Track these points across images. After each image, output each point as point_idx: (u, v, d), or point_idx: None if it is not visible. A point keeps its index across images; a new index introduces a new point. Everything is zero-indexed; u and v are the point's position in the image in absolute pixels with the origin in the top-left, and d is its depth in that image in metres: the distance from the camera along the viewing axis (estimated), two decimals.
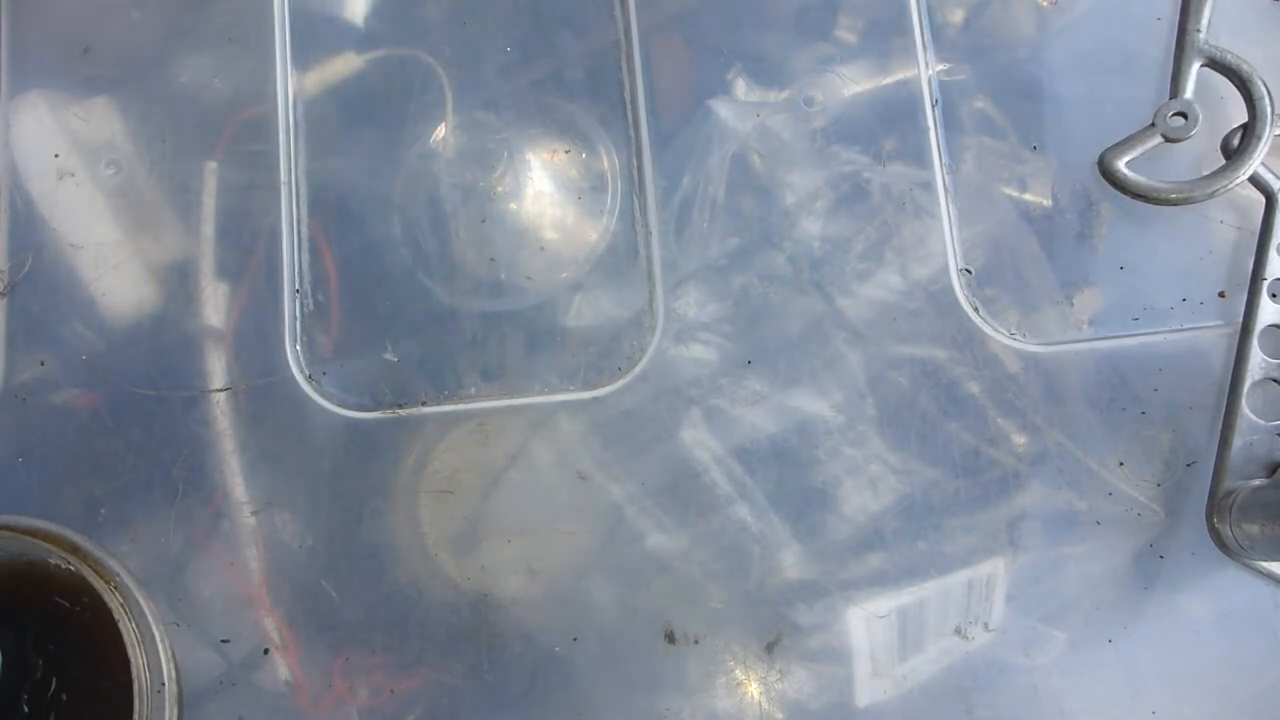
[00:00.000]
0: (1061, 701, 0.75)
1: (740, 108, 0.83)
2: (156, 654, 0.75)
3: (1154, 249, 0.80)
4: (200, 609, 0.77)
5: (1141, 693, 0.75)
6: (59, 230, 0.83)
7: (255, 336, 0.81)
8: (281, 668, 0.76)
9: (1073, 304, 0.80)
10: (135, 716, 0.73)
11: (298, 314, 0.81)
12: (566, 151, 0.84)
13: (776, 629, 0.76)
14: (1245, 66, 0.78)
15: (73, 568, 0.75)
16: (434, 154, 0.84)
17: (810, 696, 0.76)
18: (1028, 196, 0.81)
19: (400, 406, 0.80)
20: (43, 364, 0.81)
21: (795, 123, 0.83)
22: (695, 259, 0.81)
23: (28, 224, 0.83)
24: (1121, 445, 0.77)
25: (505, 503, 0.78)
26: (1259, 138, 0.77)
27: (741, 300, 0.80)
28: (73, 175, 0.84)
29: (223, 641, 0.77)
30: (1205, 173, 0.78)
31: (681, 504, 0.78)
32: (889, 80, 0.83)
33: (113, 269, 0.82)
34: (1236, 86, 0.78)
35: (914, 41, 0.83)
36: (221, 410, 0.79)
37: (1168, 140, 0.78)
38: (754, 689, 0.76)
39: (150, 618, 0.76)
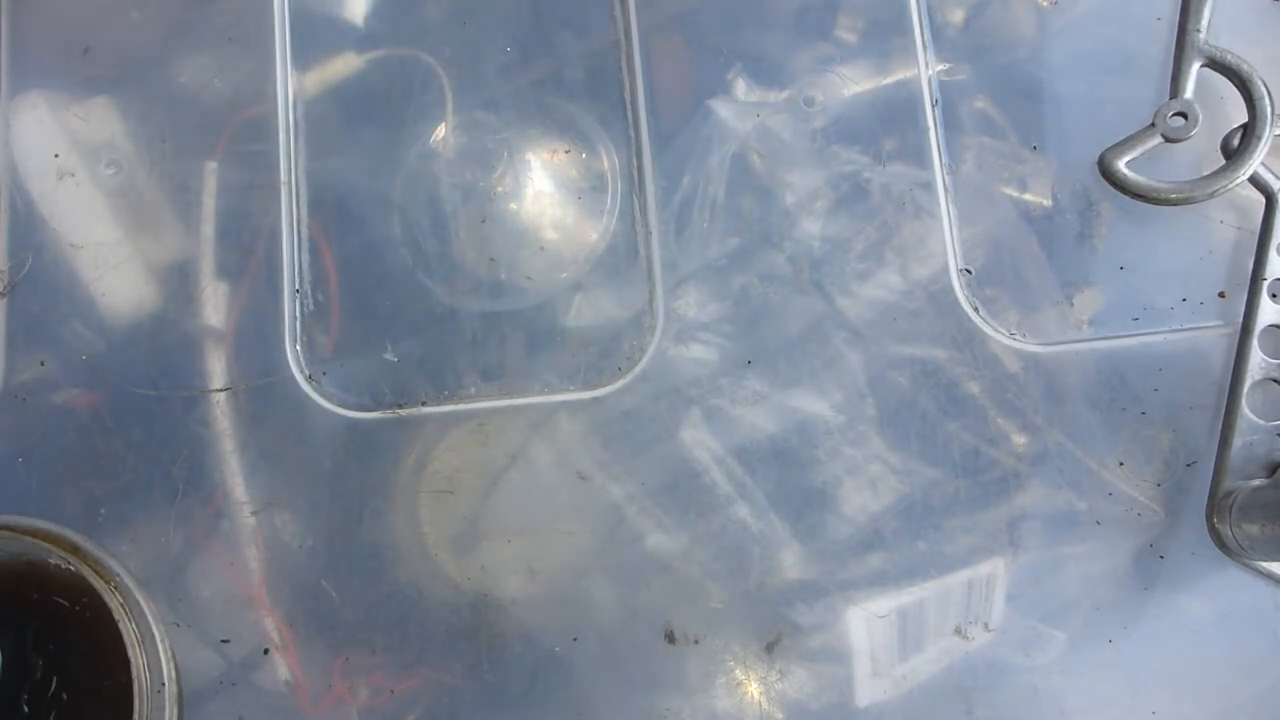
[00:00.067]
0: (1061, 701, 0.75)
1: (740, 108, 0.83)
2: (156, 654, 0.75)
3: (1154, 249, 0.80)
4: (200, 609, 0.77)
5: (1141, 693, 0.75)
6: (59, 230, 0.83)
7: (255, 336, 0.81)
8: (281, 668, 0.76)
9: (1073, 304, 0.80)
10: (135, 716, 0.73)
11: (298, 314, 0.81)
12: (566, 151, 0.84)
13: (776, 629, 0.76)
14: (1245, 66, 0.78)
15: (73, 568, 0.75)
16: (434, 154, 0.84)
17: (810, 696, 0.76)
18: (1028, 196, 0.81)
19: (400, 406, 0.80)
20: (43, 364, 0.81)
21: (795, 123, 0.83)
22: (695, 259, 0.81)
23: (28, 224, 0.83)
24: (1121, 445, 0.77)
25: (505, 503, 0.78)
26: (1259, 138, 0.77)
27: (741, 300, 0.80)
28: (73, 175, 0.84)
29: (223, 641, 0.77)
30: (1205, 173, 0.78)
31: (681, 504, 0.78)
32: (889, 80, 0.83)
33: (113, 269, 0.82)
34: (1236, 86, 0.78)
35: (914, 41, 0.83)
36: (221, 410, 0.79)
37: (1168, 140, 0.78)
38: (754, 689, 0.76)
39: (150, 618, 0.76)
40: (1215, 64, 0.79)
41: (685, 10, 0.85)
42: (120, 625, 0.74)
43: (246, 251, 0.82)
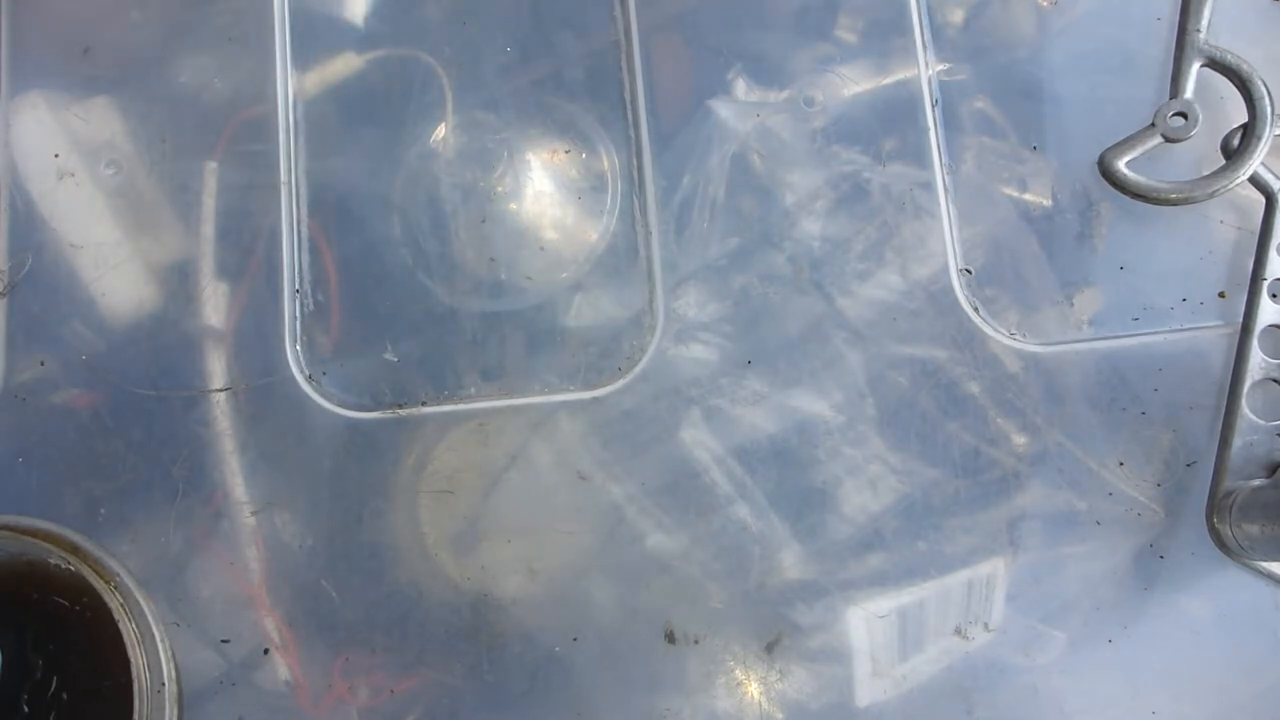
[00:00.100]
0: (1061, 701, 0.75)
1: (740, 108, 0.83)
2: (156, 654, 0.75)
3: (1154, 249, 0.80)
4: (200, 609, 0.77)
5: (1141, 693, 0.75)
6: (59, 230, 0.83)
7: (255, 336, 0.81)
8: (281, 668, 0.76)
9: (1073, 304, 0.80)
10: (135, 716, 0.73)
11: (298, 314, 0.81)
12: (566, 151, 0.84)
13: (776, 629, 0.76)
14: (1245, 66, 0.78)
15: (73, 568, 0.75)
16: (434, 154, 0.84)
17: (810, 696, 0.76)
18: (1028, 196, 0.81)
19: (400, 406, 0.80)
20: (43, 364, 0.81)
21: (795, 123, 0.83)
22: (695, 259, 0.81)
23: (28, 224, 0.83)
24: (1121, 445, 0.77)
25: (505, 503, 0.78)
26: (1259, 138, 0.77)
27: (741, 300, 0.80)
28: (73, 175, 0.84)
29: (223, 641, 0.77)
30: (1205, 173, 0.78)
31: (681, 504, 0.78)
32: (889, 80, 0.83)
33: (113, 269, 0.82)
34: (1236, 86, 0.78)
35: (914, 41, 0.83)
36: (221, 410, 0.79)
37: (1168, 140, 0.78)
38: (754, 689, 0.76)
39: (150, 618, 0.76)
40: (1215, 64, 0.79)
41: (685, 10, 0.85)
42: (120, 625, 0.74)
43: (246, 251, 0.82)
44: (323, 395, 0.80)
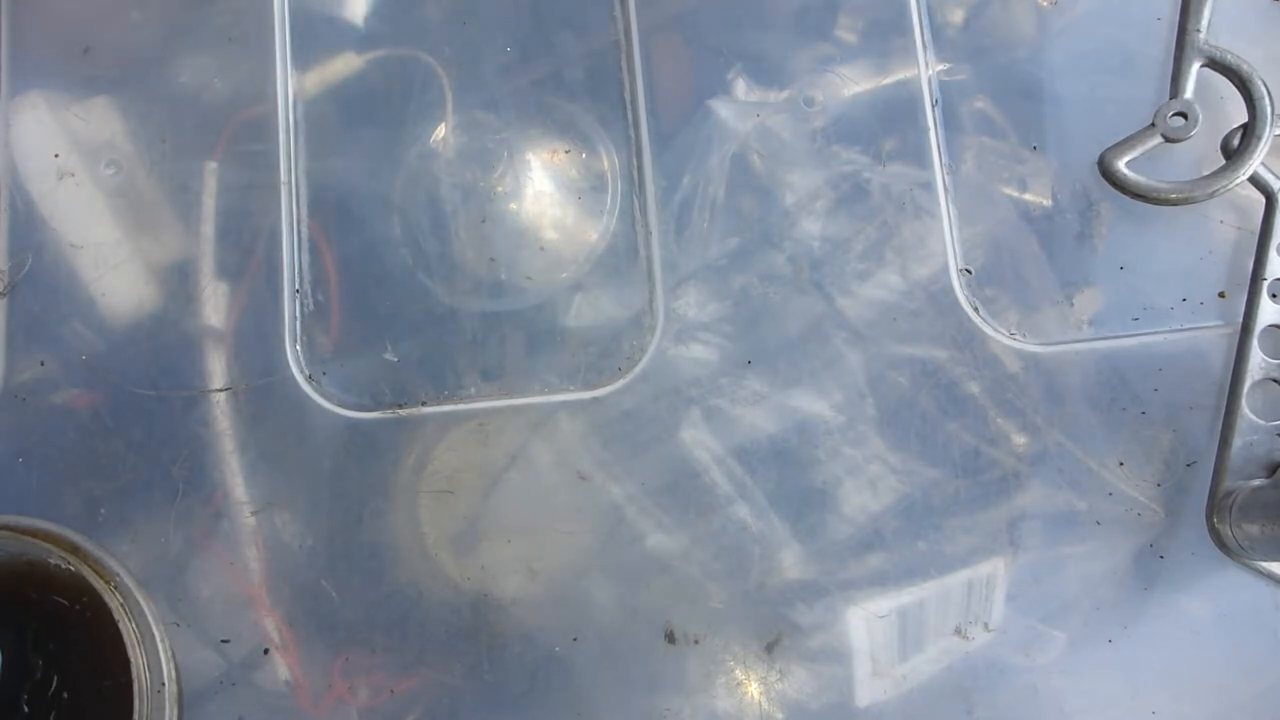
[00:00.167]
0: (1061, 701, 0.75)
1: (740, 108, 0.83)
2: (156, 654, 0.75)
3: (1154, 249, 0.80)
4: (200, 609, 0.77)
5: (1141, 693, 0.75)
6: (59, 230, 0.83)
7: (255, 336, 0.81)
8: (281, 668, 0.76)
9: (1073, 304, 0.80)
10: (135, 716, 0.73)
11: (298, 314, 0.81)
12: (566, 151, 0.84)
13: (776, 629, 0.76)
14: (1245, 66, 0.78)
15: (73, 568, 0.75)
16: (434, 154, 0.84)
17: (810, 696, 0.76)
18: (1028, 196, 0.81)
19: (400, 406, 0.80)
20: (43, 364, 0.81)
21: (795, 123, 0.83)
22: (695, 259, 0.81)
23: (28, 224, 0.83)
24: (1121, 445, 0.77)
25: (505, 503, 0.78)
26: (1259, 138, 0.77)
27: (741, 300, 0.80)
28: (73, 175, 0.84)
29: (223, 641, 0.77)
30: (1205, 173, 0.78)
31: (681, 504, 0.78)
32: (889, 80, 0.83)
33: (113, 269, 0.82)
34: (1236, 86, 0.78)
35: (914, 41, 0.83)
36: (221, 410, 0.79)
37: (1168, 140, 0.78)
38: (754, 689, 0.76)
39: (150, 618, 0.76)
40: (1215, 64, 0.79)
41: (685, 10, 0.85)
42: (120, 625, 0.74)
43: (246, 251, 0.82)
44: (323, 395, 0.80)
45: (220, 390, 0.80)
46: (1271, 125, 0.77)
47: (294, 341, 0.81)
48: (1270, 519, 0.70)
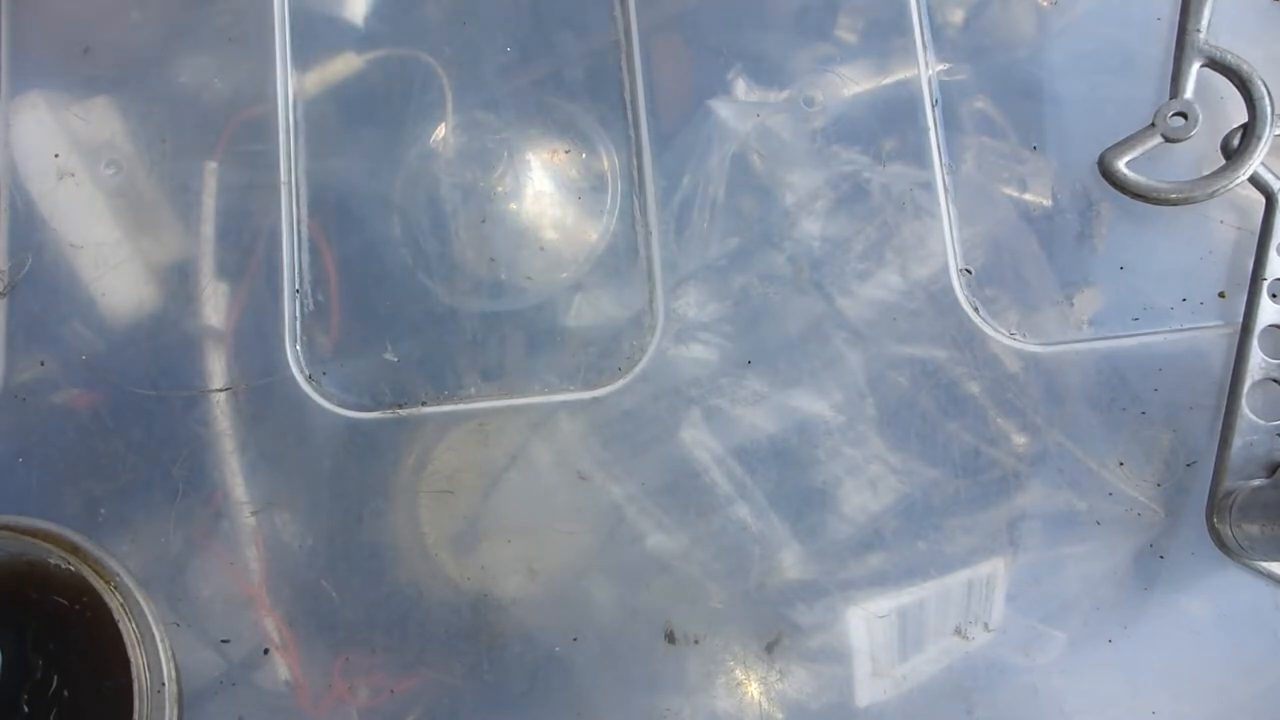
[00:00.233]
0: (1061, 701, 0.75)
1: (740, 108, 0.83)
2: (156, 654, 0.75)
3: (1154, 249, 0.80)
4: (200, 609, 0.77)
5: (1141, 693, 0.75)
6: (59, 230, 0.83)
7: (255, 336, 0.81)
8: (281, 668, 0.76)
9: (1073, 304, 0.80)
10: (135, 716, 0.73)
11: (298, 314, 0.81)
12: (566, 151, 0.84)
13: (776, 629, 0.76)
14: (1245, 66, 0.78)
15: (73, 568, 0.75)
16: (434, 154, 0.84)
17: (810, 696, 0.76)
18: (1028, 196, 0.81)
19: (400, 406, 0.80)
20: (43, 364, 0.81)
21: (795, 123, 0.83)
22: (695, 259, 0.81)
23: (28, 224, 0.83)
24: (1121, 445, 0.77)
25: (505, 503, 0.78)
26: (1259, 138, 0.77)
27: (741, 300, 0.80)
28: (73, 175, 0.84)
29: (223, 641, 0.77)
30: (1205, 173, 0.78)
31: (681, 504, 0.78)
32: (889, 80, 0.83)
33: (113, 269, 0.82)
34: (1236, 86, 0.78)
35: (914, 41, 0.83)
36: (221, 410, 0.79)
37: (1168, 140, 0.78)
38: (754, 689, 0.76)
39: (150, 618, 0.76)
40: (1215, 64, 0.79)
41: (685, 10, 0.85)
42: (120, 625, 0.74)
43: (246, 251, 0.82)
44: (323, 395, 0.80)
45: (220, 390, 0.80)
46: (1271, 125, 0.77)
47: (294, 341, 0.81)
48: (1270, 519, 0.70)
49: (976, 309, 0.80)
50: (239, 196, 0.83)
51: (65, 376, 0.80)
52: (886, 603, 0.76)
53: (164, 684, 0.74)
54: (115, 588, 0.75)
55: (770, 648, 0.76)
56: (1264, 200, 0.78)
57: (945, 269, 0.80)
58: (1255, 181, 0.77)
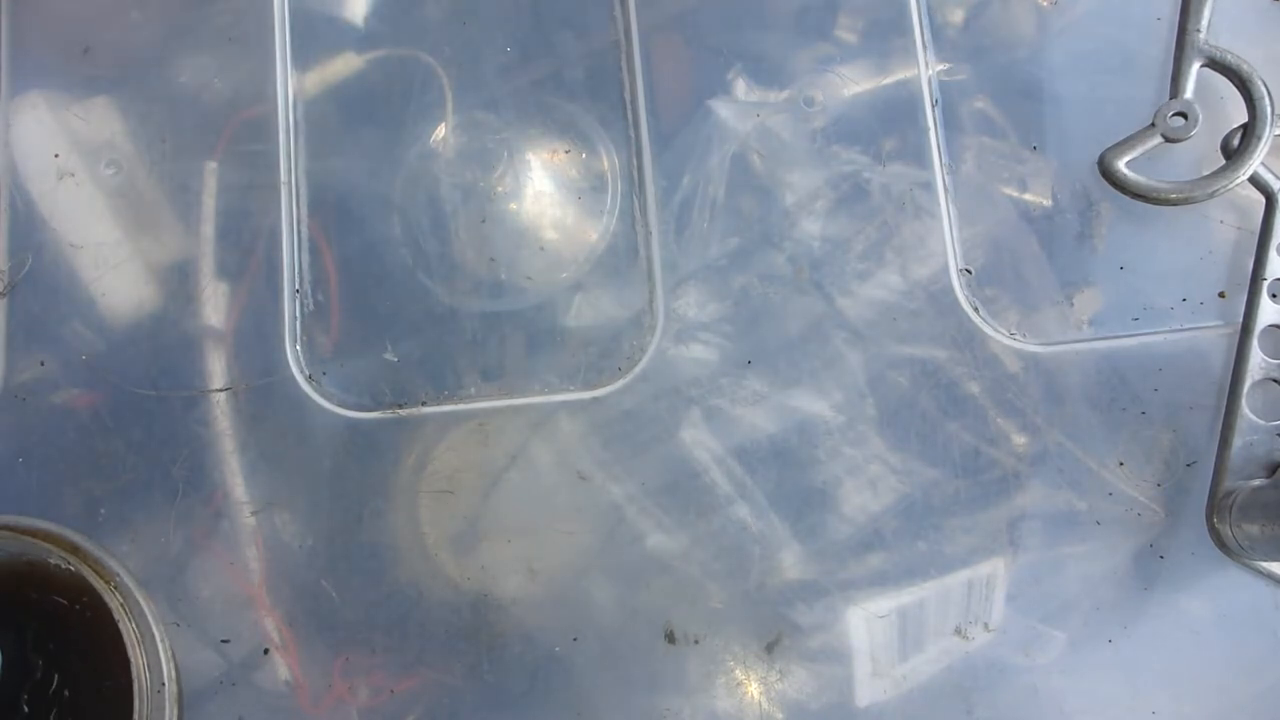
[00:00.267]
0: (1061, 701, 0.75)
1: (740, 108, 0.83)
2: (156, 654, 0.75)
3: (1154, 249, 0.80)
4: (200, 609, 0.77)
5: (1141, 693, 0.75)
6: (59, 230, 0.83)
7: (255, 336, 0.81)
8: (281, 668, 0.76)
9: (1073, 304, 0.80)
10: (135, 716, 0.73)
11: (298, 314, 0.81)
12: (566, 151, 0.84)
13: (776, 629, 0.76)
14: (1245, 66, 0.78)
15: (73, 568, 0.75)
16: (434, 154, 0.84)
17: (810, 696, 0.76)
18: (1028, 196, 0.81)
19: (400, 406, 0.80)
20: (43, 364, 0.81)
21: (795, 123, 0.83)
22: (695, 259, 0.81)
23: (28, 224, 0.83)
24: (1121, 445, 0.77)
25: (505, 503, 0.78)
26: (1259, 138, 0.77)
27: (741, 300, 0.80)
28: (73, 175, 0.84)
29: (223, 641, 0.77)
30: (1205, 173, 0.78)
31: (681, 504, 0.78)
32: (889, 80, 0.83)
33: (113, 269, 0.82)
34: (1236, 86, 0.78)
35: (914, 41, 0.83)
36: (221, 410, 0.79)
37: (1168, 140, 0.78)
38: (754, 689, 0.76)
39: (150, 618, 0.76)
40: (1215, 64, 0.79)
41: (685, 10, 0.85)
42: (120, 625, 0.74)
43: (246, 251, 0.82)
44: (323, 395, 0.80)
45: (220, 390, 0.80)
46: (1271, 125, 0.77)
47: (294, 341, 0.81)
48: (1270, 519, 0.70)
49: (976, 309, 0.80)
50: (239, 196, 0.83)
51: (65, 376, 0.80)
52: (886, 603, 0.76)
53: (164, 684, 0.74)
54: (115, 588, 0.75)
55: (770, 648, 0.76)
56: (1264, 200, 0.78)
57: (945, 269, 0.80)
58: (1255, 181, 0.77)
